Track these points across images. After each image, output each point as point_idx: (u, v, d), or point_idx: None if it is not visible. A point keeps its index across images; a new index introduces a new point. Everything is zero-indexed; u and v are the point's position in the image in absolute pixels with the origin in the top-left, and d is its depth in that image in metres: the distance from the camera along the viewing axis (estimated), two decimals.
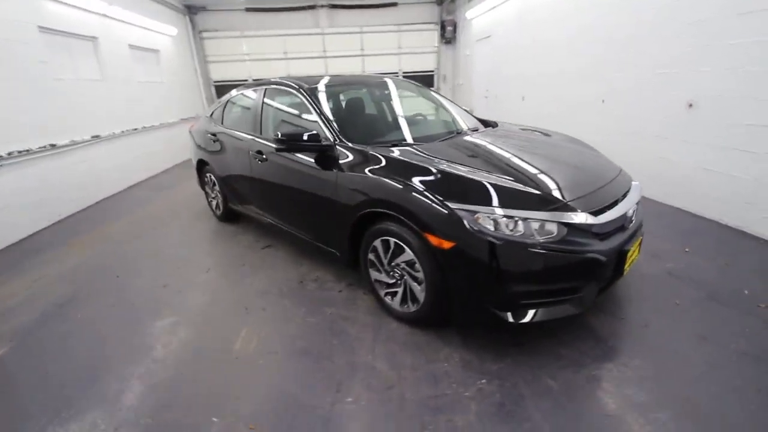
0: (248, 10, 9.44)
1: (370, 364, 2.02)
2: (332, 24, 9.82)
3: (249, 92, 3.62)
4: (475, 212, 1.83)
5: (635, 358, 1.98)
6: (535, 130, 3.17)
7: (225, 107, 3.93)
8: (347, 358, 2.08)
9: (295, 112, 3.03)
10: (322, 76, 3.26)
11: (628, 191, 2.26)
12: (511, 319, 1.86)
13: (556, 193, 1.97)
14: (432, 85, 10.64)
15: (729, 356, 1.97)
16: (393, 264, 2.25)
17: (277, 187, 3.06)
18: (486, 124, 3.37)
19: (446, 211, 1.88)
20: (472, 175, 2.03)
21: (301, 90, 2.94)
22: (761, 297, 2.42)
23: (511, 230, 1.81)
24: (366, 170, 2.28)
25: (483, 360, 2.00)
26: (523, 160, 2.29)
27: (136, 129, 6.39)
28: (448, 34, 9.92)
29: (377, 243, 2.29)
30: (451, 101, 3.67)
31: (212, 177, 4.07)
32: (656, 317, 2.29)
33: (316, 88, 2.98)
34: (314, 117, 2.75)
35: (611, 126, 4.75)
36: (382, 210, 2.16)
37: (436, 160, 2.21)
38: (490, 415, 1.69)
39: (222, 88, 9.69)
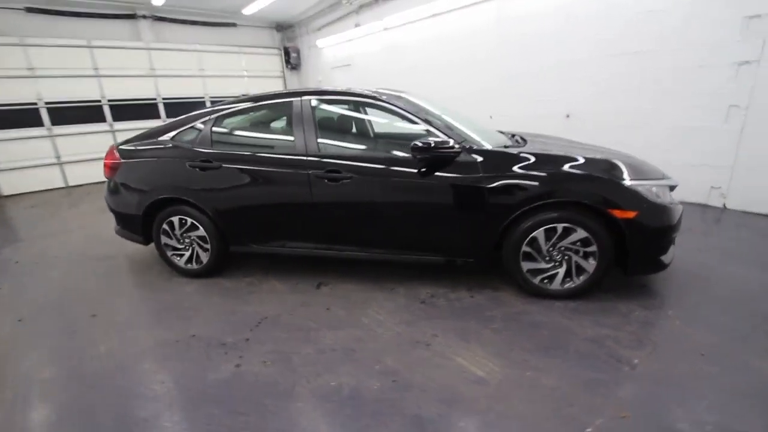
0: (30, 10, 6.82)
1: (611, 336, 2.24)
2: (159, 39, 8.26)
3: (264, 109, 2.99)
4: (647, 186, 2.38)
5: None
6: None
7: (212, 128, 3.02)
8: (589, 334, 2.22)
9: (380, 124, 2.80)
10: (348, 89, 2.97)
11: None
12: (667, 262, 2.49)
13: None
14: None
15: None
16: (557, 248, 2.51)
17: (368, 208, 2.71)
18: None
19: (627, 188, 2.35)
20: (607, 157, 2.54)
21: (387, 101, 2.74)
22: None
23: (661, 196, 2.44)
24: (519, 169, 2.46)
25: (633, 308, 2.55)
26: (595, 149, 2.95)
27: None
28: (293, 60, 9.97)
29: (538, 233, 2.49)
30: None
31: (192, 220, 3.03)
32: None
33: (401, 96, 2.84)
34: (422, 126, 2.65)
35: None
36: (549, 201, 2.41)
37: (565, 151, 2.62)
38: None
39: None
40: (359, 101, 2.91)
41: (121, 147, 3.24)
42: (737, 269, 2.89)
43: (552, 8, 5.18)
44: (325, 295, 2.88)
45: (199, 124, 3.07)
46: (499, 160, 2.52)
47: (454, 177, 2.53)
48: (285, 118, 2.98)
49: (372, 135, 3.43)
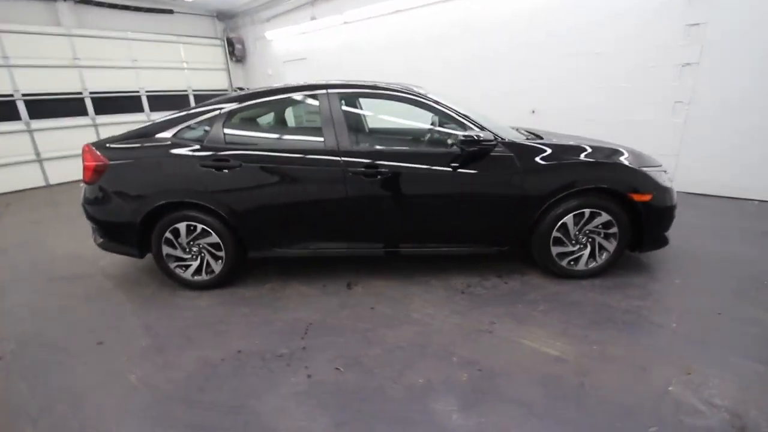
0: None
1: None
2: (82, 24, 7.20)
3: (283, 103, 2.79)
4: (655, 171, 2.68)
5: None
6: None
7: (224, 124, 2.74)
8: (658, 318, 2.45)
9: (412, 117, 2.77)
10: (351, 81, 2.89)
11: None
12: (669, 238, 2.85)
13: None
14: None
15: None
16: (583, 231, 2.73)
17: (403, 203, 2.69)
18: None
19: (644, 174, 2.63)
20: (617, 148, 2.82)
21: (420, 95, 2.73)
22: None
23: (665, 180, 2.78)
24: (551, 160, 2.63)
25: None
26: (597, 141, 3.23)
27: None
28: (238, 52, 9.35)
29: (567, 219, 2.68)
30: None
31: (203, 226, 2.74)
32: None
33: (426, 93, 2.83)
34: (459, 120, 2.69)
35: None
36: (576, 189, 2.61)
37: (579, 143, 2.84)
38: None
39: None
40: (391, 95, 2.85)
41: (108, 146, 2.81)
42: (705, 242, 3.39)
43: (516, 10, 5.53)
44: (359, 294, 2.80)
45: (205, 121, 2.78)
46: (534, 153, 2.66)
47: (492, 169, 2.62)
48: (303, 112, 2.83)
49: (395, 129, 3.40)
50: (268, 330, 2.43)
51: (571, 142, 2.82)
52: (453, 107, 2.76)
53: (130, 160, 2.74)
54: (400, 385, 1.93)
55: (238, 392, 1.93)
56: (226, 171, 2.66)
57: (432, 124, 3.43)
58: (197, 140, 2.75)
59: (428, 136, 3.07)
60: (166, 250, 2.83)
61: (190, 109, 2.87)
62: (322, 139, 2.70)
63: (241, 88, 3.46)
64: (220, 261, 2.86)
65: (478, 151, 2.58)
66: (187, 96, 8.81)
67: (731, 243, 3.34)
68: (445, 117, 2.75)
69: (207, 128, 2.77)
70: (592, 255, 2.80)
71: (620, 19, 4.75)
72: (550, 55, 5.39)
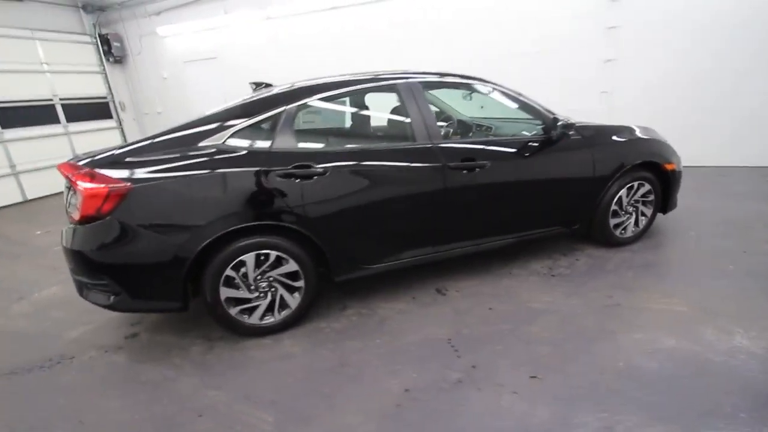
0: None
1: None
2: None
3: (360, 94, 2.42)
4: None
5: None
6: None
7: (293, 123, 2.19)
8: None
9: (496, 106, 2.71)
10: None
11: None
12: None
13: None
14: (110, 116, 7.80)
15: None
16: (630, 202, 3.04)
17: (500, 194, 2.60)
18: None
19: (668, 145, 3.08)
20: (638, 126, 3.22)
21: (492, 83, 2.65)
22: None
23: None
24: (606, 141, 2.87)
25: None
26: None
27: None
28: (116, 51, 7.62)
29: (623, 192, 2.96)
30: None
31: (278, 252, 2.16)
32: None
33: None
34: (533, 107, 2.71)
35: None
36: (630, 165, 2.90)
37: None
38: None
39: None
40: (469, 84, 2.70)
41: (127, 162, 1.97)
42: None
43: (463, 13, 5.84)
44: (460, 298, 2.60)
45: (267, 121, 2.19)
46: (601, 134, 2.87)
47: (570, 153, 2.73)
48: (377, 104, 2.48)
49: (469, 118, 3.24)
50: (408, 358, 2.06)
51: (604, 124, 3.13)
52: (525, 96, 2.79)
53: (170, 179, 1.99)
54: (610, 373, 1.85)
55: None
56: (311, 179, 2.15)
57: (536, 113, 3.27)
58: (260, 146, 2.16)
59: (508, 124, 3.02)
60: (225, 292, 2.14)
61: (235, 110, 2.23)
62: (409, 133, 2.41)
63: (268, 84, 2.78)
64: (297, 293, 2.30)
65: (564, 136, 2.66)
66: (53, 106, 6.80)
67: (688, 200, 4.15)
68: (521, 105, 2.75)
69: (271, 130, 2.19)
70: (636, 222, 3.16)
71: (555, 23, 5.46)
72: (498, 54, 5.84)
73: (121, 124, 7.94)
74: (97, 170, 1.96)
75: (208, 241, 2.01)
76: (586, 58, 5.43)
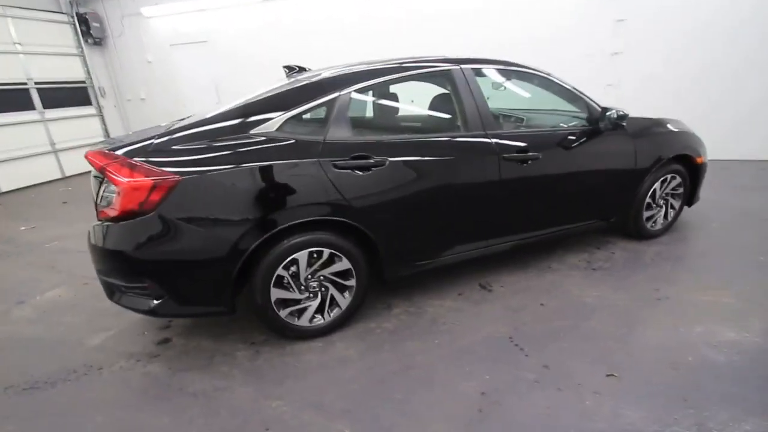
0: None
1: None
2: None
3: (413, 79, 2.25)
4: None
5: None
6: None
7: (349, 108, 2.03)
8: None
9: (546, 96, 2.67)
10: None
11: None
12: None
13: None
14: (89, 102, 7.26)
15: None
16: (662, 195, 3.05)
17: (551, 185, 2.55)
18: None
19: (699, 139, 3.10)
20: (670, 118, 3.23)
21: (544, 72, 2.59)
22: None
23: None
24: (647, 132, 2.85)
25: None
26: None
27: None
28: (95, 31, 7.08)
29: (657, 185, 2.96)
30: None
31: (331, 250, 2.01)
32: None
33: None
34: (579, 97, 2.66)
35: None
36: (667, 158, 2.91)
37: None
38: None
39: None
40: (520, 71, 2.62)
41: (172, 149, 1.77)
42: None
43: (470, 2, 5.73)
44: (507, 293, 2.53)
45: (321, 107, 2.02)
46: (642, 128, 2.86)
47: (618, 144, 2.72)
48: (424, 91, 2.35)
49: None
50: (474, 359, 1.98)
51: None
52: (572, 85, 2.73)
53: (223, 171, 1.80)
54: (684, 368, 1.83)
55: None
56: (368, 171, 2.01)
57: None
58: (315, 135, 1.99)
59: (556, 115, 2.95)
60: (277, 294, 1.99)
61: (283, 96, 2.05)
62: (463, 122, 2.29)
63: (301, 68, 2.57)
64: (347, 292, 2.17)
65: (618, 128, 2.62)
66: (27, 91, 6.24)
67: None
68: (568, 95, 2.69)
69: (325, 118, 2.02)
70: (665, 215, 3.18)
71: (560, 14, 5.44)
72: (498, 43, 5.78)
73: (101, 111, 7.42)
74: (138, 159, 1.76)
75: (263, 237, 1.85)
76: (593, 50, 5.45)
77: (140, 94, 7.64)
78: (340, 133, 2.02)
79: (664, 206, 3.12)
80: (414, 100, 2.51)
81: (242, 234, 1.82)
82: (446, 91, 2.34)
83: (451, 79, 2.30)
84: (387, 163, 2.04)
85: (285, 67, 2.58)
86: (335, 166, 1.94)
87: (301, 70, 2.57)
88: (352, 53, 6.14)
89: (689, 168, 3.07)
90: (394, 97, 2.50)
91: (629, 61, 5.37)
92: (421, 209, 2.20)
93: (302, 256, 1.98)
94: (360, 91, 2.14)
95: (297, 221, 1.90)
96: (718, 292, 2.40)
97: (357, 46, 6.30)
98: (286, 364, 2.01)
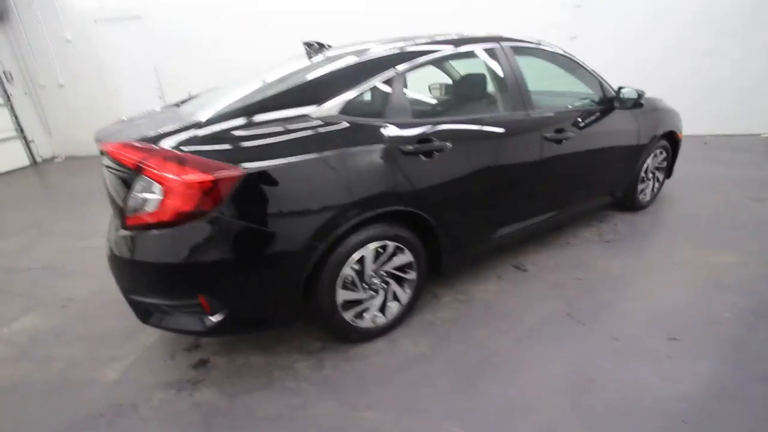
0: None
1: None
2: None
3: (460, 57, 2.18)
4: None
5: None
6: None
7: (405, 88, 1.86)
8: None
9: (563, 74, 2.75)
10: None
11: None
12: None
13: None
14: None
15: None
16: (652, 168, 3.31)
17: (580, 165, 2.65)
18: None
19: (679, 116, 3.40)
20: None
21: (565, 53, 2.67)
22: None
23: None
24: (648, 110, 3.05)
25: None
26: None
27: None
28: None
29: (650, 160, 3.21)
30: None
31: (395, 243, 1.88)
32: None
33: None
34: (593, 76, 2.75)
35: None
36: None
37: None
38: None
39: None
40: (548, 52, 2.66)
41: (227, 137, 1.49)
42: None
43: None
44: (541, 272, 2.59)
45: (376, 87, 1.83)
46: (644, 105, 3.01)
47: (626, 122, 2.88)
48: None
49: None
50: (544, 338, 1.99)
51: None
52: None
53: (290, 161, 1.55)
54: (732, 324, 2.01)
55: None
56: (431, 156, 1.88)
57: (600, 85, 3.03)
58: (377, 116, 1.81)
59: (575, 94, 2.97)
60: (342, 295, 1.81)
61: (334, 75, 1.82)
62: (509, 102, 2.25)
63: (321, 45, 2.27)
64: (408, 286, 2.05)
65: (637, 105, 2.77)
66: None
67: None
68: (585, 74, 2.78)
69: (384, 99, 1.84)
70: (652, 188, 3.47)
71: (525, 3, 5.62)
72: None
73: (9, 99, 6.18)
74: (186, 150, 1.45)
75: (336, 232, 1.65)
76: (553, 34, 5.66)
77: (58, 79, 6.46)
78: (400, 116, 1.86)
79: (652, 179, 3.41)
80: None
81: (313, 233, 1.61)
82: (495, 69, 2.26)
83: (496, 56, 2.23)
84: (448, 146, 1.93)
85: (305, 43, 2.31)
86: (402, 152, 1.79)
87: (321, 47, 2.32)
88: (327, 33, 5.85)
89: (672, 143, 3.37)
90: (446, 76, 2.38)
91: (584, 46, 5.72)
92: (478, 193, 2.14)
93: (368, 251, 1.81)
94: (417, 67, 1.97)
95: (372, 213, 1.72)
96: (723, 252, 2.67)
97: (333, 25, 5.96)
98: (358, 369, 1.85)
